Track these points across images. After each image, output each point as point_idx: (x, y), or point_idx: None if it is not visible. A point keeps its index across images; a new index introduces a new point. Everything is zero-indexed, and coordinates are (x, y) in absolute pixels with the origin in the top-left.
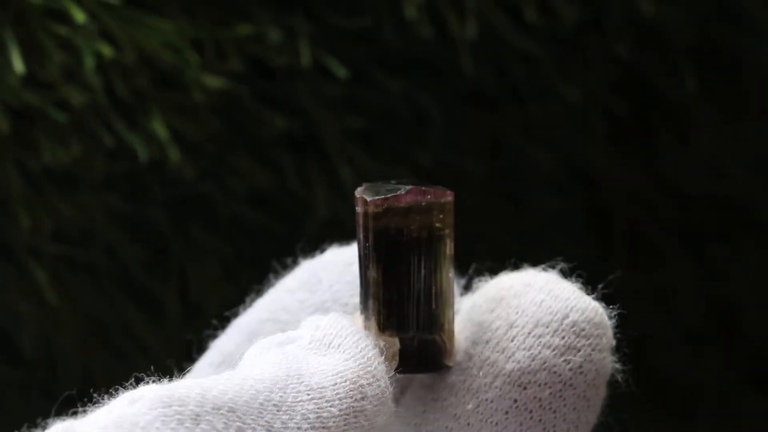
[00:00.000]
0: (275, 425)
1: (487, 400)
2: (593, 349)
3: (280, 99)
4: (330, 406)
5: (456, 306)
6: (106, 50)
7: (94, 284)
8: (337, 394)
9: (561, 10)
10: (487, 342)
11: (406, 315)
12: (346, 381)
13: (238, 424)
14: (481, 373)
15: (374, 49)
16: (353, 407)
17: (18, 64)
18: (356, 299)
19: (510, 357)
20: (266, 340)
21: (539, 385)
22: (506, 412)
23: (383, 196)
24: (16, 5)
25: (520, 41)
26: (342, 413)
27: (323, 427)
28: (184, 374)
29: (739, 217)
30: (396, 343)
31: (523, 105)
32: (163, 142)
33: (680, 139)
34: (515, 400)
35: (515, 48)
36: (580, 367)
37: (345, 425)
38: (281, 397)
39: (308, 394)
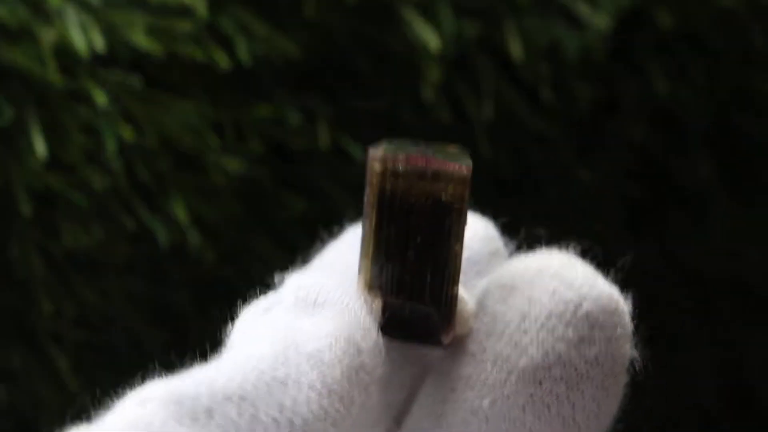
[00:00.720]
0: (286, 403)
1: (503, 395)
2: (609, 340)
3: (299, 181)
4: (332, 370)
5: (472, 286)
6: (127, 133)
7: (115, 368)
8: (336, 355)
9: (577, 90)
10: (501, 335)
11: (392, 277)
12: (340, 340)
13: (251, 411)
14: (495, 369)
15: (392, 131)
16: (353, 365)
17: (40, 148)
18: None
19: (523, 352)
20: (251, 310)
21: (555, 380)
22: (523, 408)
23: (388, 154)
24: (39, 87)
25: (537, 123)
26: (344, 374)
27: (330, 393)
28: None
29: (754, 299)
30: (379, 302)
31: (540, 187)
32: (183, 225)
33: (695, 222)
34: (531, 395)
35: (531, 130)
36: (596, 358)
37: (348, 385)
38: (285, 372)
39: (309, 363)
